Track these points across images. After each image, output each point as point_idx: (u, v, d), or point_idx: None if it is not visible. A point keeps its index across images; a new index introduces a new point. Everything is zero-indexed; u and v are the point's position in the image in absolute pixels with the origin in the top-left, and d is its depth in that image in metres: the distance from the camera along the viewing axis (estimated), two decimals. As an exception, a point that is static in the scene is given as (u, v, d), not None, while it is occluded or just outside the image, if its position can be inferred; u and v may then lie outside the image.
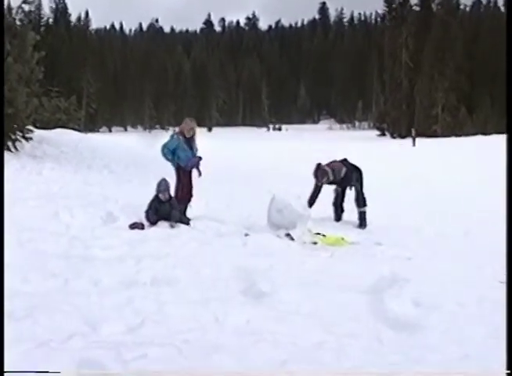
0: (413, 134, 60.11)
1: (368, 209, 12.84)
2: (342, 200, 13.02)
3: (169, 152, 11.43)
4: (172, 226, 10.42)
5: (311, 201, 12.62)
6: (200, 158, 11.72)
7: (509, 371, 4.59)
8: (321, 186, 12.73)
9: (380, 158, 33.04)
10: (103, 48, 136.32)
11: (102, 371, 4.41)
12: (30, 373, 4.18)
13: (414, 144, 55.38)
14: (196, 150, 11.76)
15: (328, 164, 12.67)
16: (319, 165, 12.56)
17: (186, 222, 10.94)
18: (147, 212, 10.60)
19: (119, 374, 4.43)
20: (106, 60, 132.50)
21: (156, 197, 10.78)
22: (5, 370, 4.19)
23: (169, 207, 10.71)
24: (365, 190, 12.96)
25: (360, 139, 69.14)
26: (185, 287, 6.80)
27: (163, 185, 10.85)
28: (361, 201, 12.81)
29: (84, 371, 4.37)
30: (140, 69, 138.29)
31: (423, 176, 24.81)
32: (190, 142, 11.63)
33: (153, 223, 10.47)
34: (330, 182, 12.75)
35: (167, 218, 10.62)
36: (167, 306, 6.03)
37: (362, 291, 6.86)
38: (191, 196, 11.76)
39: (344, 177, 12.64)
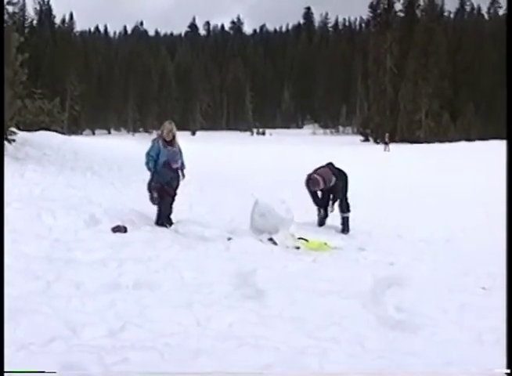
0: (386, 139, 60.30)
1: (351, 214, 12.86)
2: (327, 204, 13.00)
3: (152, 160, 11.35)
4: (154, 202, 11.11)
5: (320, 204, 12.81)
6: (183, 167, 11.69)
7: (509, 371, 4.64)
8: (315, 192, 12.76)
9: (362, 163, 33.12)
10: (88, 51, 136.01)
11: (99, 371, 4.40)
12: (27, 373, 4.20)
13: (386, 149, 55.70)
14: (181, 153, 11.70)
15: (317, 172, 12.63)
16: (310, 176, 12.53)
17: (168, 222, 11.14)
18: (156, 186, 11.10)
19: (119, 373, 4.43)
20: (90, 63, 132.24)
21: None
22: (5, 370, 4.22)
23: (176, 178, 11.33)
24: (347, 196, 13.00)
25: (343, 144, 69.28)
26: (168, 290, 6.79)
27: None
28: (344, 207, 12.82)
29: (81, 372, 4.37)
30: (124, 72, 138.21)
31: (405, 182, 24.86)
32: (170, 146, 11.52)
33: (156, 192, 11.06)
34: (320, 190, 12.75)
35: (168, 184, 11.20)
36: (149, 310, 6.02)
37: (344, 296, 6.88)
38: (173, 199, 11.73)
39: (333, 185, 12.65)
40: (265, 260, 8.77)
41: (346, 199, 12.87)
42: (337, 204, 12.89)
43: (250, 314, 6.17)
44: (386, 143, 58.46)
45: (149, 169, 11.46)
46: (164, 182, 11.23)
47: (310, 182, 12.48)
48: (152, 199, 11.19)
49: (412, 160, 39.30)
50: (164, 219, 11.14)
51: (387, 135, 63.40)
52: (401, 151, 52.28)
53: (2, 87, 14.84)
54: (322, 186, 12.47)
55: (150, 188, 11.16)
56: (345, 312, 6.40)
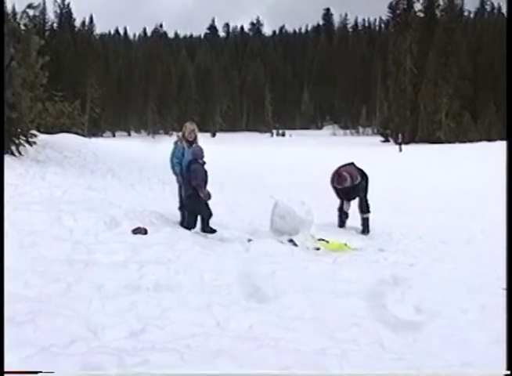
0: (400, 139, 59.85)
1: (371, 215, 12.83)
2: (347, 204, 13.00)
3: (178, 164, 11.40)
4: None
5: (343, 198, 12.86)
6: (204, 162, 11.71)
7: (509, 372, 4.62)
8: (340, 189, 12.77)
9: (381, 163, 32.99)
10: (107, 53, 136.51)
11: (97, 372, 4.41)
12: (27, 373, 4.18)
13: (401, 149, 55.43)
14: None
15: (345, 169, 12.65)
16: (337, 172, 12.55)
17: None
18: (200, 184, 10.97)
19: (117, 374, 4.44)
20: (110, 65, 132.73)
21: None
22: (5, 370, 4.21)
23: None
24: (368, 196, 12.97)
25: (363, 145, 69.09)
26: (188, 292, 6.81)
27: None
28: (364, 207, 12.81)
29: (79, 372, 4.38)
30: (144, 74, 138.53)
31: (425, 183, 24.75)
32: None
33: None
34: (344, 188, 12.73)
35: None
36: (170, 312, 6.04)
37: (364, 297, 6.87)
38: None
39: (357, 184, 12.64)
40: (285, 261, 8.78)
41: (366, 200, 12.86)
42: (356, 204, 12.89)
43: (270, 315, 6.17)
44: (399, 144, 58.16)
45: (175, 174, 11.53)
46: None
47: (338, 178, 12.51)
48: (207, 195, 11.05)
49: (431, 160, 39.06)
50: (207, 226, 11.12)
51: (399, 135, 63.14)
52: (419, 152, 51.95)
53: (2, 87, 14.91)
54: (349, 183, 12.50)
55: (199, 183, 11.01)
56: (365, 313, 6.40)
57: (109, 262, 7.95)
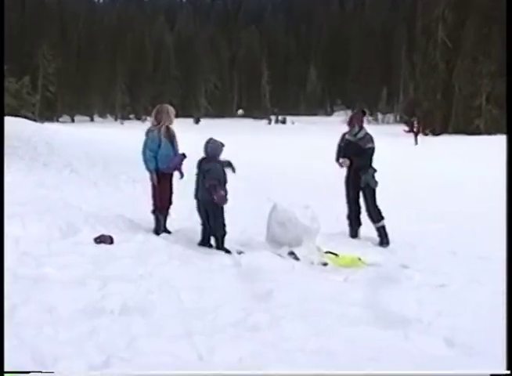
0: (415, 129, 60.05)
1: (390, 222, 12.82)
2: (358, 212, 12.99)
3: (152, 157, 11.41)
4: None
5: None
6: (184, 156, 11.72)
7: (509, 372, 5.08)
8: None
9: (406, 159, 33.03)
10: (65, 17, 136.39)
11: (97, 372, 4.41)
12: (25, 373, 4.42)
13: (416, 142, 55.78)
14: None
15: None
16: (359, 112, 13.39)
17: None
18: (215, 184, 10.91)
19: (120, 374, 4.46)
20: (68, 32, 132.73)
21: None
22: (5, 370, 4.47)
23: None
24: (385, 199, 12.98)
25: (382, 135, 69.04)
26: (162, 316, 6.81)
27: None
28: (374, 214, 12.76)
29: (79, 372, 4.38)
30: (111, 44, 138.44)
31: (457, 185, 24.78)
32: (172, 134, 11.65)
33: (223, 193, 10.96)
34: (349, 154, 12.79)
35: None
36: (139, 340, 6.04)
37: (382, 325, 6.88)
38: (170, 203, 11.79)
39: (366, 149, 12.72)
40: (284, 279, 8.77)
41: (375, 205, 12.82)
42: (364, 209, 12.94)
43: (265, 346, 6.18)
44: (415, 134, 58.38)
45: (149, 170, 11.52)
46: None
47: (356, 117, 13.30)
48: (222, 198, 11.05)
49: (466, 155, 39.09)
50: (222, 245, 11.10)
51: (415, 123, 63.32)
52: (453, 144, 51.98)
53: (2, 86, 14.94)
54: (364, 132, 12.90)
55: (213, 183, 10.98)
56: (383, 346, 6.39)
57: (64, 278, 7.94)
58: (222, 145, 11.23)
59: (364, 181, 12.57)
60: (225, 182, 11.10)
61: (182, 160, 11.68)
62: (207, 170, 10.93)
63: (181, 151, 11.74)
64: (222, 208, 10.99)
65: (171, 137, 11.60)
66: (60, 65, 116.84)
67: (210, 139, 11.29)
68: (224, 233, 11.00)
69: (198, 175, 11.08)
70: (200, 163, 11.12)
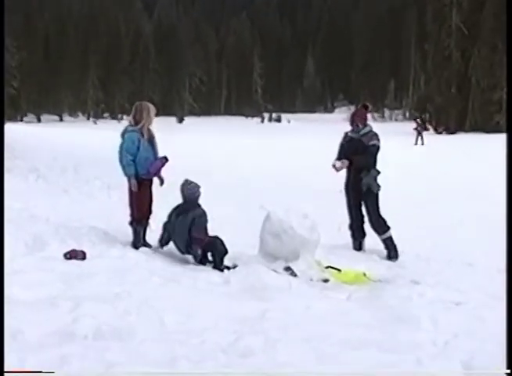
0: (417, 127, 60.41)
1: (398, 232, 12.82)
2: (361, 221, 12.99)
3: (130, 161, 11.41)
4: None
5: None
6: (166, 159, 11.72)
7: (509, 371, 5.40)
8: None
9: (420, 161, 33.05)
10: (30, 3, 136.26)
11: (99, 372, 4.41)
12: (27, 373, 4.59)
13: (417, 142, 56.36)
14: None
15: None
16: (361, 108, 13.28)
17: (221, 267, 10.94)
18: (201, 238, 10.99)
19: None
20: (33, 19, 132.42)
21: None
22: (5, 370, 4.67)
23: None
24: (392, 205, 13.00)
25: (390, 134, 69.17)
26: (143, 341, 6.80)
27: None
28: (378, 225, 12.72)
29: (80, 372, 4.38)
30: (82, 33, 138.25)
31: (468, 188, 24.85)
32: (151, 135, 11.66)
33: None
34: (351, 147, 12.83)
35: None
36: (117, 369, 6.01)
37: (391, 349, 6.88)
38: (150, 213, 11.80)
39: (369, 146, 12.71)
40: (280, 298, 8.79)
41: (378, 215, 12.79)
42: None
43: (258, 374, 6.17)
44: (419, 132, 58.70)
45: (127, 175, 11.52)
46: None
47: (359, 114, 13.23)
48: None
49: (480, 155, 39.18)
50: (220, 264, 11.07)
51: (417, 121, 63.68)
52: (469, 143, 52.07)
53: (2, 86, 15.00)
54: (368, 127, 12.91)
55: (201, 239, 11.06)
56: (392, 373, 6.39)
57: (30, 298, 7.93)
58: (198, 187, 11.38)
59: (365, 184, 12.53)
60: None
61: (164, 164, 11.69)
62: (191, 219, 10.98)
63: (162, 154, 11.75)
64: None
65: (151, 139, 11.61)
66: (24, 57, 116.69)
67: (186, 180, 11.31)
68: (225, 252, 11.01)
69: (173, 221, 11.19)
70: (178, 209, 11.14)
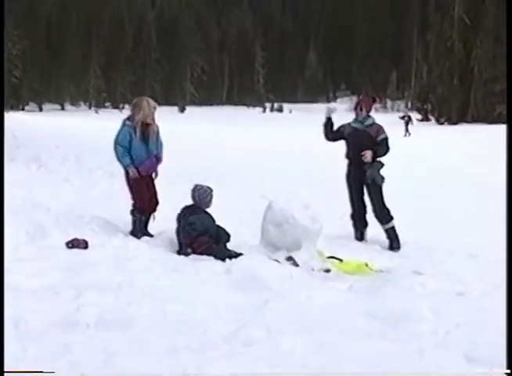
0: (405, 117, 60.58)
1: (401, 222, 12.80)
2: (363, 211, 12.96)
3: (124, 152, 11.35)
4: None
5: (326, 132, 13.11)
6: (157, 159, 11.64)
7: (509, 371, 5.39)
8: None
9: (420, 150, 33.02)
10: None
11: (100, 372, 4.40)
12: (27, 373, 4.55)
13: (407, 133, 56.46)
14: (161, 145, 11.77)
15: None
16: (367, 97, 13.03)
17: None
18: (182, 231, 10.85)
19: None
20: (35, 8, 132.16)
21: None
22: (5, 370, 4.65)
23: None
24: (395, 196, 12.98)
25: (391, 124, 69.06)
26: (144, 330, 6.79)
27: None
28: (382, 214, 12.69)
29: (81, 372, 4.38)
30: (85, 22, 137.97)
31: (479, 182, 24.80)
32: (146, 133, 11.52)
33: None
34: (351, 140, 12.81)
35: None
36: (118, 358, 6.00)
37: (393, 338, 6.87)
38: (156, 203, 11.76)
39: (378, 141, 12.69)
40: (281, 288, 8.77)
41: (382, 204, 12.75)
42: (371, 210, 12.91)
43: (260, 363, 6.15)
44: (406, 123, 58.93)
45: (123, 165, 11.48)
46: None
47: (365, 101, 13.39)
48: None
49: (483, 146, 39.16)
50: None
51: (405, 110, 63.77)
52: (470, 134, 52.01)
53: (2, 86, 14.97)
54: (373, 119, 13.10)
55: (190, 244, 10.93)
56: (395, 362, 6.38)
57: (33, 287, 7.92)
58: (210, 190, 11.25)
59: (370, 177, 12.49)
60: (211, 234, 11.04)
61: (154, 164, 11.60)
62: (184, 225, 10.90)
63: (157, 152, 11.66)
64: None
65: (146, 136, 11.50)
66: (27, 46, 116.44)
67: (196, 185, 11.21)
68: (227, 238, 11.04)
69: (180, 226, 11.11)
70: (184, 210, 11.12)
